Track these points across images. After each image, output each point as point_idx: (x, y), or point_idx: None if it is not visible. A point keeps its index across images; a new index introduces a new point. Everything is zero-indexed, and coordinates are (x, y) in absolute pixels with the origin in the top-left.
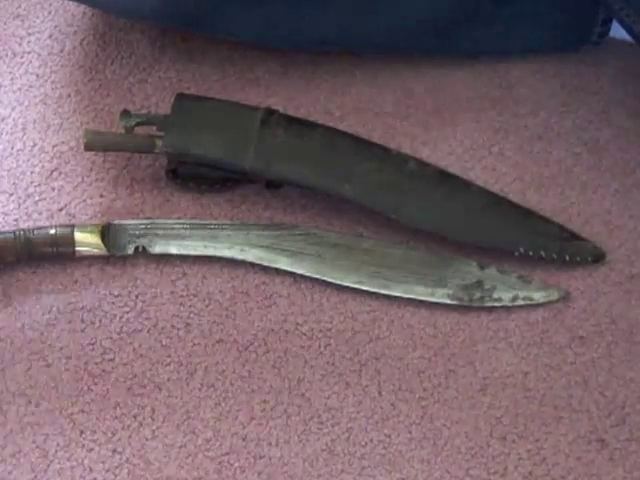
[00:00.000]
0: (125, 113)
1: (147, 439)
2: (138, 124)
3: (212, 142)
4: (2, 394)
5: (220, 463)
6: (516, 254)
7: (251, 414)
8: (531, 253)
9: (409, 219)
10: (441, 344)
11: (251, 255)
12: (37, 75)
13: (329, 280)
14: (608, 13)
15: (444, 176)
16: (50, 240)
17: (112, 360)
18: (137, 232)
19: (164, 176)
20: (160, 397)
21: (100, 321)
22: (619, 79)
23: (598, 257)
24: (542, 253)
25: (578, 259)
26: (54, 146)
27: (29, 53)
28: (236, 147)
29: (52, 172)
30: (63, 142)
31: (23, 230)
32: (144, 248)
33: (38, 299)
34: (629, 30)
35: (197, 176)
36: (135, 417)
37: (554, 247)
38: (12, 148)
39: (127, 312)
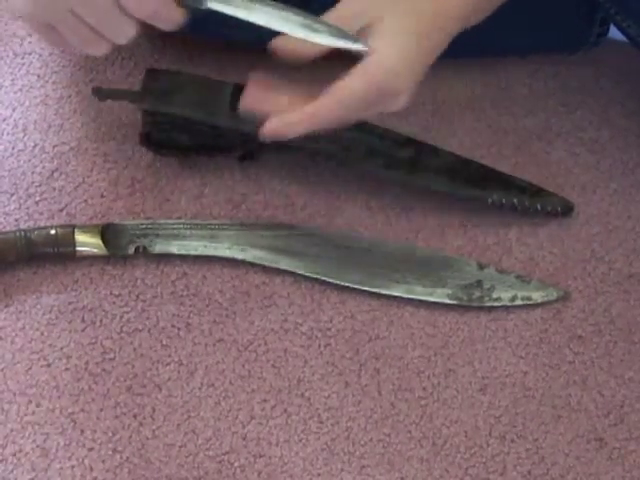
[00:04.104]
0: (97, 88)
1: (147, 439)
2: (110, 95)
3: (186, 102)
4: (2, 394)
5: (220, 462)
6: (489, 201)
7: (251, 413)
8: (504, 201)
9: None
10: (440, 344)
11: (251, 255)
12: (38, 76)
13: (329, 280)
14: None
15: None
16: (51, 240)
17: (112, 360)
18: (137, 232)
19: (139, 141)
20: (160, 397)
21: (100, 321)
22: (618, 79)
23: (567, 209)
24: (515, 201)
25: (549, 209)
26: (55, 146)
27: (30, 54)
28: (209, 107)
29: (53, 172)
30: (64, 142)
31: (24, 230)
32: (144, 248)
33: (38, 299)
34: (625, 33)
35: (170, 142)
36: (135, 417)
37: (524, 198)
38: (13, 148)
39: (127, 312)
